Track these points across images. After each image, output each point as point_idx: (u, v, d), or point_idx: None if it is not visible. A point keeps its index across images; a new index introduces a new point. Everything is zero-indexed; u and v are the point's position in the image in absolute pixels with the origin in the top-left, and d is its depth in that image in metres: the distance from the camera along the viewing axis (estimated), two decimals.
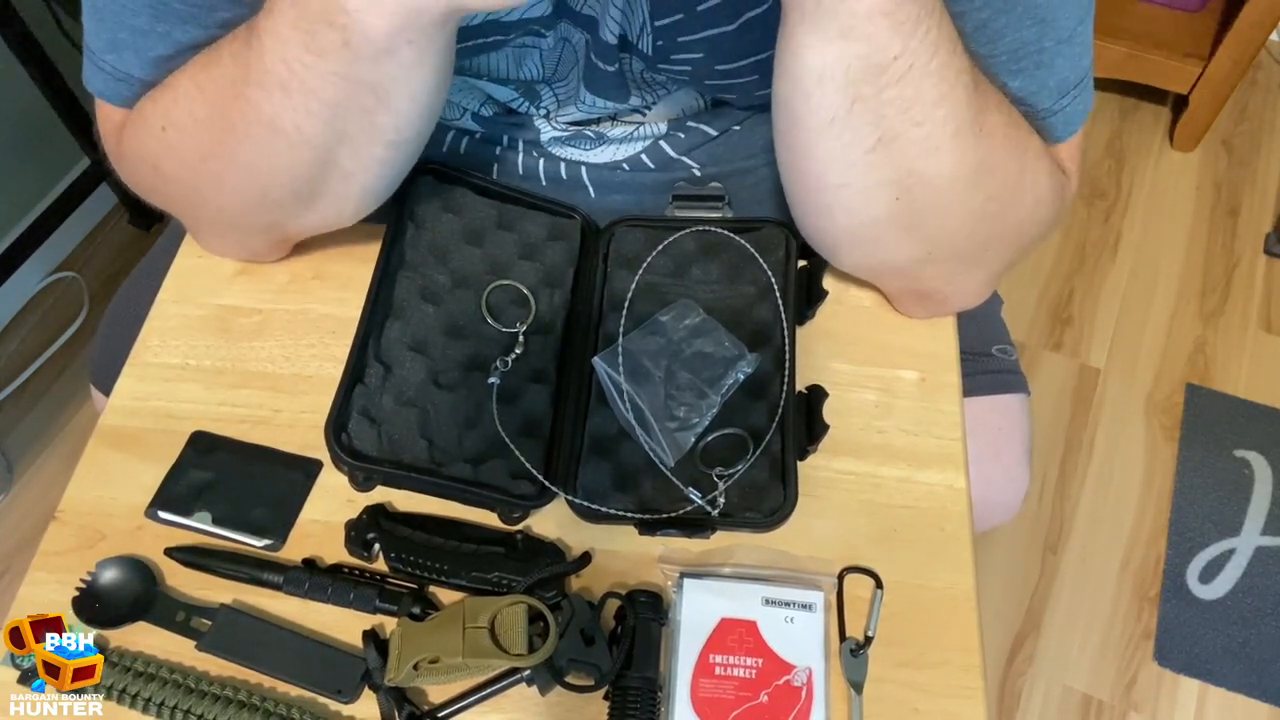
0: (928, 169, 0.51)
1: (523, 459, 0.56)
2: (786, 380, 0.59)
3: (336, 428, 0.56)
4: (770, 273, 0.64)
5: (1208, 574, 1.40)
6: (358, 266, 0.65)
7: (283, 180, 0.55)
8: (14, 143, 1.52)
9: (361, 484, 0.57)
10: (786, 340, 0.61)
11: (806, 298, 0.64)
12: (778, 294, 0.63)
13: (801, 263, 0.66)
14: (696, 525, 0.55)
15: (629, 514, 0.55)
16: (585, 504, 0.56)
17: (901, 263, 0.60)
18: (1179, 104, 1.90)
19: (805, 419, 0.59)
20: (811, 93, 0.49)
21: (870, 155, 0.51)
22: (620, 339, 0.60)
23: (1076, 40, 0.54)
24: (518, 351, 0.61)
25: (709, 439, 0.58)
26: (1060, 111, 0.57)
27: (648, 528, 0.55)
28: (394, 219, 0.64)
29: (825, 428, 0.57)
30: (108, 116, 0.60)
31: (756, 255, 0.65)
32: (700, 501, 0.56)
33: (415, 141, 0.55)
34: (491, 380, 0.60)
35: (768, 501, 0.56)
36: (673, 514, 0.55)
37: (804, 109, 0.50)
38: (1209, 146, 1.92)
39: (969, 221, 0.55)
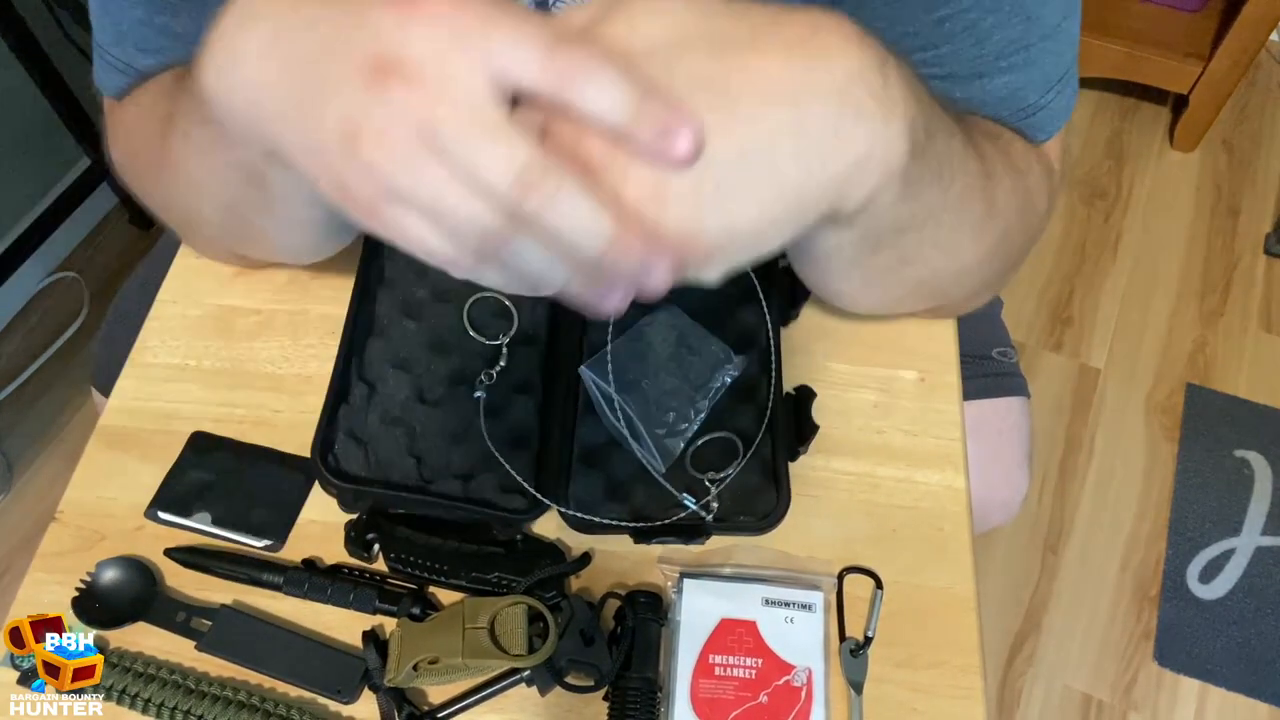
0: (950, 266, 0.52)
1: (512, 472, 0.56)
2: (773, 382, 0.59)
3: (323, 450, 0.56)
4: (753, 274, 0.64)
5: (1208, 574, 1.40)
6: (357, 267, 0.65)
7: (208, 218, 0.53)
8: (14, 143, 1.51)
9: (351, 504, 0.56)
10: (772, 341, 0.61)
11: (790, 298, 0.64)
12: (761, 295, 0.63)
13: (784, 262, 0.66)
14: (690, 531, 0.55)
15: (623, 523, 0.55)
16: (578, 515, 0.55)
17: (917, 312, 0.63)
18: (1179, 104, 1.89)
19: (795, 420, 0.59)
20: (830, 254, 0.48)
21: (891, 274, 0.51)
22: (607, 347, 0.60)
23: (1060, 35, 0.54)
24: (502, 364, 0.61)
25: (699, 444, 0.58)
26: (1046, 107, 0.57)
27: (642, 536, 0.55)
28: (368, 234, 0.63)
29: (815, 428, 0.57)
30: (114, 116, 0.60)
31: None
32: (694, 507, 0.55)
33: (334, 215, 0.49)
34: (477, 394, 0.59)
35: (761, 504, 0.56)
36: (666, 521, 0.55)
37: (822, 259, 0.49)
38: (1209, 146, 1.92)
39: (983, 277, 0.57)
